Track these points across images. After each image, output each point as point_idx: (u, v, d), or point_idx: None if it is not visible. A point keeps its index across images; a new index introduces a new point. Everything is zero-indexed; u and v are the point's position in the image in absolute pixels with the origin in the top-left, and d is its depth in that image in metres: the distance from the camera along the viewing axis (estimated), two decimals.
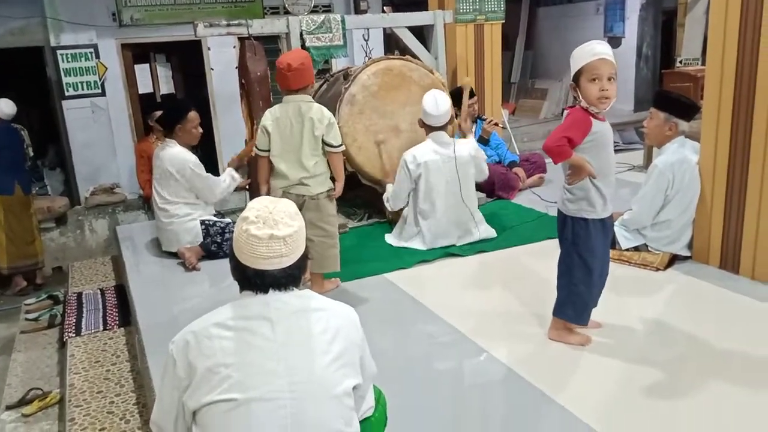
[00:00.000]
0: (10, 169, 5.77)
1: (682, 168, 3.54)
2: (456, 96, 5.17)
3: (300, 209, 3.25)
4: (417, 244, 4.11)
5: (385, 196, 4.32)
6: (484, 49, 5.83)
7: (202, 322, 1.58)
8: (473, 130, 5.34)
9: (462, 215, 4.09)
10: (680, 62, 8.72)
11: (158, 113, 6.06)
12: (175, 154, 4.02)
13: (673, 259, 3.63)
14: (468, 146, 4.12)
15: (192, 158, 4.04)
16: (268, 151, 3.31)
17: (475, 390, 2.56)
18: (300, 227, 1.58)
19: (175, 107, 4.25)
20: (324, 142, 3.27)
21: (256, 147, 3.35)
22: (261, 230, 1.52)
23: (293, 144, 3.27)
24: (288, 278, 1.57)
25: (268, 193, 3.33)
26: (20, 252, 5.90)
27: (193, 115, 4.13)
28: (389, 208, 4.35)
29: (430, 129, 4.04)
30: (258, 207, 1.56)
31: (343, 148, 3.36)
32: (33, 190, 6.35)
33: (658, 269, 3.53)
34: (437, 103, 3.94)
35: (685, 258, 3.65)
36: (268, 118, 3.31)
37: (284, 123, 3.27)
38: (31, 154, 6.39)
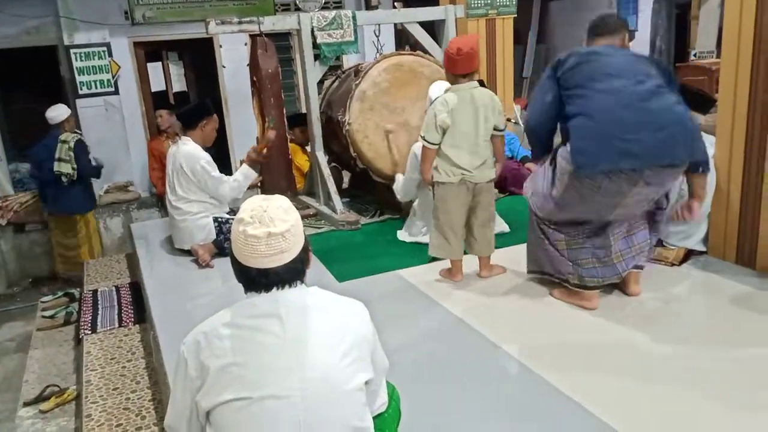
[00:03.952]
0: (64, 185, 5.77)
1: None
2: None
3: (473, 196, 3.37)
4: (427, 239, 4.09)
5: (395, 187, 4.32)
6: (495, 43, 5.80)
7: (212, 322, 1.59)
8: None
9: None
10: (694, 55, 8.63)
11: (163, 111, 6.11)
12: (188, 151, 4.03)
13: (689, 254, 3.59)
14: None
15: (204, 155, 4.05)
16: (439, 144, 3.34)
17: (489, 385, 2.56)
18: (296, 221, 1.57)
19: (201, 105, 4.29)
20: (494, 128, 3.37)
21: (426, 140, 3.32)
22: (258, 229, 1.51)
23: (468, 132, 3.31)
24: (292, 273, 1.57)
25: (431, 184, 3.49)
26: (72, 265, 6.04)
27: (215, 116, 4.20)
28: (399, 199, 4.36)
29: None
30: (252, 207, 1.55)
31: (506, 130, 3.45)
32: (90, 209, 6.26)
33: (673, 264, 3.50)
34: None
35: (701, 253, 3.62)
36: (443, 110, 3.27)
37: (460, 112, 3.29)
38: (95, 163, 6.11)
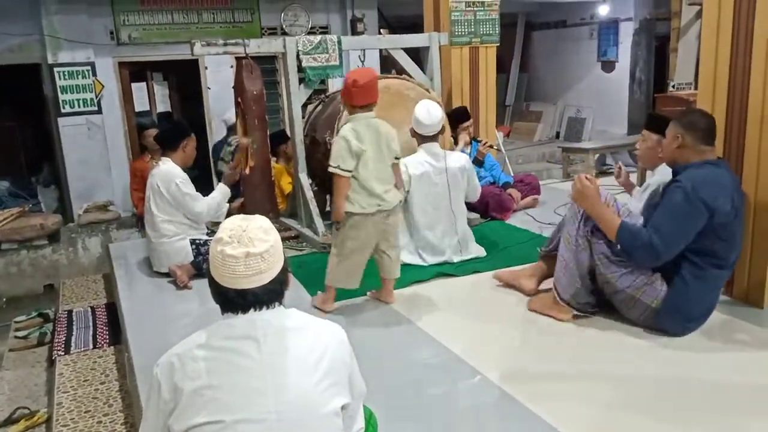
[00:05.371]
0: None
1: None
2: (453, 117, 5.19)
3: (384, 220, 3.36)
4: (408, 258, 4.06)
5: None
6: (479, 71, 5.87)
7: (187, 343, 1.56)
8: (468, 152, 5.38)
9: (451, 228, 4.08)
10: (673, 86, 8.82)
11: (152, 131, 6.06)
12: (164, 171, 4.02)
13: None
14: (461, 159, 4.13)
15: (180, 174, 4.03)
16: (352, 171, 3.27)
17: (469, 412, 2.54)
18: (276, 241, 1.56)
19: (179, 125, 4.30)
20: (395, 156, 3.41)
21: (341, 169, 3.24)
22: (236, 249, 1.50)
23: (375, 158, 3.31)
24: (270, 294, 1.55)
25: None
26: None
27: (193, 135, 4.19)
28: None
29: (422, 139, 4.02)
30: (231, 227, 1.54)
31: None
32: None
33: None
34: (429, 112, 3.92)
35: None
36: (353, 138, 3.23)
37: (365, 140, 3.27)
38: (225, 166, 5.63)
